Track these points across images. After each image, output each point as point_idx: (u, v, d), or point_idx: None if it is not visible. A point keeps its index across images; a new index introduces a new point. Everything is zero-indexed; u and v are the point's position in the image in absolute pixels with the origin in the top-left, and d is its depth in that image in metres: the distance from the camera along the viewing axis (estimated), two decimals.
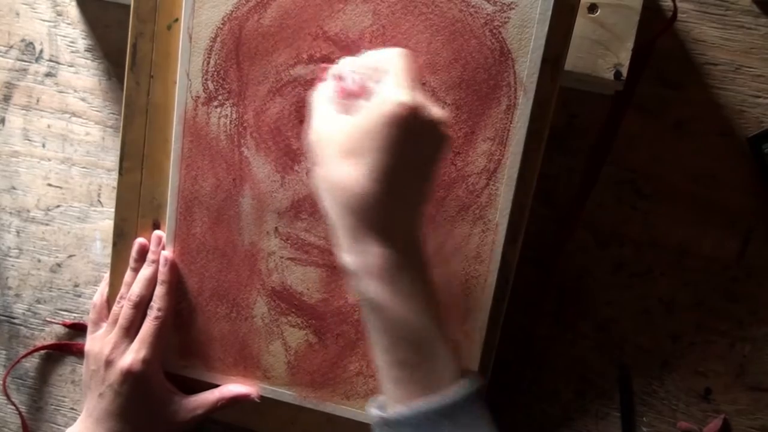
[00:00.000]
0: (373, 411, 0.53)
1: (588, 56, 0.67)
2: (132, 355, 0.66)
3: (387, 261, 0.50)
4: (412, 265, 0.52)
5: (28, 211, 0.80)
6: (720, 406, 0.73)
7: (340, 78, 0.55)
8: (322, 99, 0.55)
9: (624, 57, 0.67)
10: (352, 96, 0.54)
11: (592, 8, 0.67)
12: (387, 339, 0.51)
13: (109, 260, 0.71)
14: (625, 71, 0.67)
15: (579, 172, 0.73)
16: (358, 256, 0.51)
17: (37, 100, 0.79)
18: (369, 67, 0.54)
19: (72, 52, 0.78)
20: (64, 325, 0.79)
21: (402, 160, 0.50)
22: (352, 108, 0.53)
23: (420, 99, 0.51)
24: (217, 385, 0.69)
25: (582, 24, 0.66)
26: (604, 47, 0.67)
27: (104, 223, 0.78)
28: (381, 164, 0.50)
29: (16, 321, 0.80)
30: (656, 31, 0.71)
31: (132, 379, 0.66)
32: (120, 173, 0.68)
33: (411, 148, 0.50)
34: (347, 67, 0.55)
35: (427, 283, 0.53)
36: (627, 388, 0.74)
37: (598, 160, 0.73)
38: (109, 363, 0.67)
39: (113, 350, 0.67)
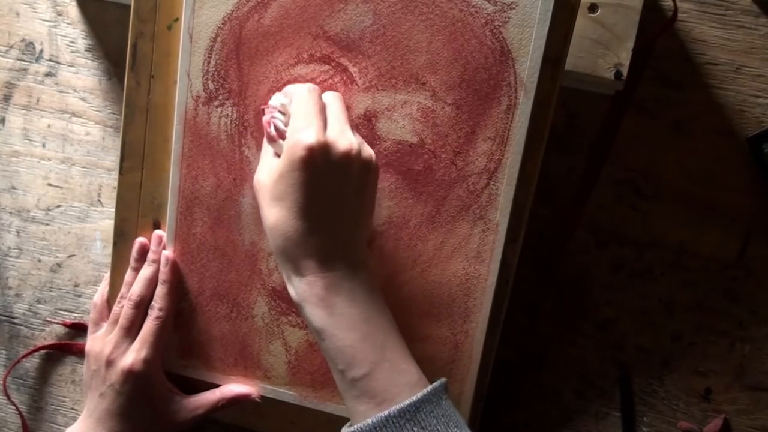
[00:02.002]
0: (342, 430, 0.55)
1: (588, 56, 0.67)
2: (133, 355, 0.66)
3: (320, 288, 0.54)
4: (349, 288, 0.55)
5: (29, 211, 0.80)
6: (720, 406, 0.73)
7: (268, 124, 0.59)
8: (263, 146, 0.60)
9: (624, 57, 0.67)
10: (272, 139, 0.58)
11: (593, 8, 0.67)
12: (338, 362, 0.54)
13: (109, 260, 0.71)
14: (625, 71, 0.67)
15: (579, 172, 0.74)
16: (294, 288, 0.55)
17: (37, 100, 0.79)
18: (282, 106, 0.59)
19: (72, 52, 0.78)
20: (65, 325, 0.79)
21: (320, 195, 0.54)
22: (279, 149, 0.57)
23: (324, 137, 0.54)
24: (217, 385, 0.69)
25: (582, 24, 0.66)
26: (605, 47, 0.67)
27: (104, 223, 0.78)
28: (300, 204, 0.54)
29: (16, 321, 0.80)
30: (656, 31, 0.71)
31: (133, 379, 0.66)
32: (120, 173, 0.68)
33: (327, 183, 0.54)
34: (267, 111, 0.60)
35: (371, 303, 0.56)
36: (627, 388, 0.74)
37: (598, 160, 0.73)
38: (110, 363, 0.67)
39: (114, 350, 0.67)
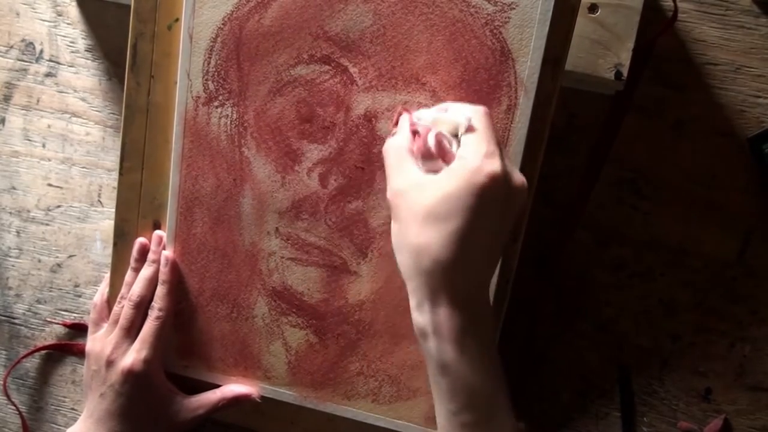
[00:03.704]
0: None
1: (588, 56, 0.67)
2: (133, 355, 0.66)
3: (457, 323, 0.51)
4: (480, 327, 0.52)
5: (29, 211, 0.80)
6: (720, 406, 0.73)
7: (417, 134, 0.55)
8: (400, 153, 0.55)
9: (624, 57, 0.67)
10: (429, 155, 0.54)
11: (593, 8, 0.67)
12: (453, 402, 0.52)
13: (109, 260, 0.71)
14: (625, 71, 0.67)
15: (579, 172, 0.74)
16: (428, 316, 0.52)
17: (37, 100, 0.79)
18: (448, 124, 0.54)
19: (72, 52, 0.78)
20: (65, 325, 0.79)
21: (482, 227, 0.51)
22: (431, 166, 0.53)
23: (505, 167, 0.51)
24: (217, 385, 0.69)
25: (582, 24, 0.66)
26: (605, 47, 0.67)
27: (104, 223, 0.78)
28: (462, 231, 0.50)
29: (16, 321, 0.80)
30: (657, 31, 0.71)
31: (133, 379, 0.66)
32: (120, 173, 0.68)
33: (492, 215, 0.51)
34: (424, 121, 0.55)
35: (493, 345, 0.54)
36: (627, 388, 0.74)
37: (598, 160, 0.73)
38: (110, 363, 0.67)
39: (114, 350, 0.67)
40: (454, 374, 0.51)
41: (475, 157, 0.51)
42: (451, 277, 0.51)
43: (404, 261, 0.53)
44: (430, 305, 0.51)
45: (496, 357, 0.54)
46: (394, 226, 0.53)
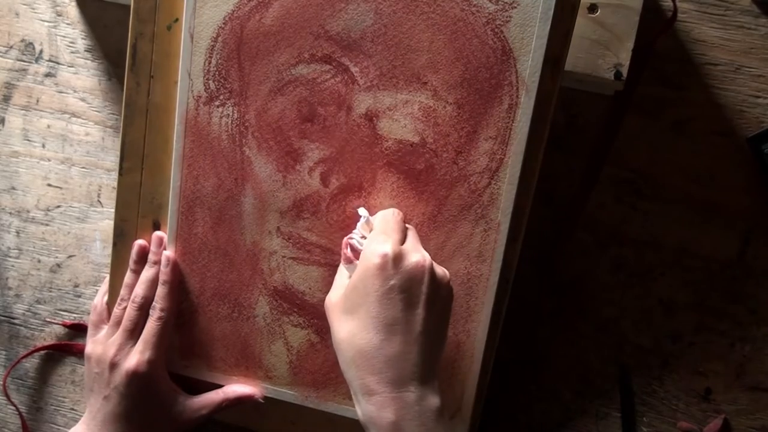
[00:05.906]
0: None
1: (588, 56, 0.67)
2: (137, 357, 0.66)
3: (392, 413, 0.52)
4: (420, 413, 0.52)
5: (28, 211, 0.79)
6: (720, 406, 0.73)
7: (345, 245, 0.60)
8: (339, 270, 0.60)
9: (624, 57, 0.67)
10: (349, 260, 0.59)
11: (592, 8, 0.67)
12: None
13: (109, 260, 0.71)
14: (625, 71, 0.67)
15: (579, 172, 0.74)
16: (363, 408, 0.53)
17: (37, 100, 0.79)
18: (362, 229, 0.60)
19: (72, 52, 0.78)
20: (64, 325, 0.79)
21: (390, 306, 0.53)
22: (353, 271, 0.57)
23: (398, 248, 0.54)
24: (219, 385, 0.69)
25: (582, 24, 0.66)
26: (604, 47, 0.67)
27: (104, 223, 0.78)
28: (372, 315, 0.53)
29: (16, 321, 0.80)
30: (656, 31, 0.71)
31: (138, 381, 0.66)
32: (120, 173, 0.68)
33: (399, 294, 0.53)
34: (352, 236, 0.60)
35: (441, 425, 0.53)
36: (627, 388, 0.74)
37: (598, 160, 0.73)
38: (113, 365, 0.66)
39: (117, 352, 0.66)
40: None
41: (368, 245, 0.55)
42: (374, 363, 0.52)
43: (340, 359, 0.55)
44: (362, 396, 0.53)
45: None
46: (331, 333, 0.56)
